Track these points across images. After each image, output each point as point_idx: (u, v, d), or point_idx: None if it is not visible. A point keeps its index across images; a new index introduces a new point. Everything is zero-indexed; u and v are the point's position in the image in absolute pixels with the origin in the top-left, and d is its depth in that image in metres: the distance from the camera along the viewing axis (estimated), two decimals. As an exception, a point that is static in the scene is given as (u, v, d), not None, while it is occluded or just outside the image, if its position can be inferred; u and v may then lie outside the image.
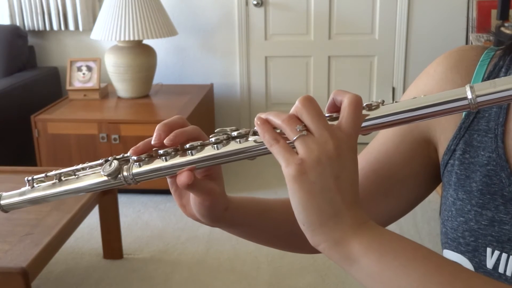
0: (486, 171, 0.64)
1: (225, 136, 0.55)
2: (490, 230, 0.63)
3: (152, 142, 0.58)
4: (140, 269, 2.46)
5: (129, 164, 0.57)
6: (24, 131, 3.10)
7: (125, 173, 0.57)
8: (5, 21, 3.69)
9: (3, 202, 0.60)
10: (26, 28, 3.71)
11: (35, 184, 0.60)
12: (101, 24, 3.20)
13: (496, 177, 0.63)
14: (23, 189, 0.60)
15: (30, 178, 0.60)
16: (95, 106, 3.25)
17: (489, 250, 0.63)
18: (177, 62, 3.82)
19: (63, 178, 0.59)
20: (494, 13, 3.12)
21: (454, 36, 3.55)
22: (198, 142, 0.56)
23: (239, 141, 0.55)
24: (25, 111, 3.13)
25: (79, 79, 3.37)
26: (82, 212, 2.10)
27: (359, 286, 2.28)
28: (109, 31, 3.15)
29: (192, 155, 0.56)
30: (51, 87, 3.68)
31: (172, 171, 0.57)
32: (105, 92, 3.44)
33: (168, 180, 0.61)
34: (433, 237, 2.63)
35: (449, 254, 0.67)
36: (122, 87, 3.33)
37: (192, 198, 0.62)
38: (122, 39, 3.15)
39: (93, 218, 2.58)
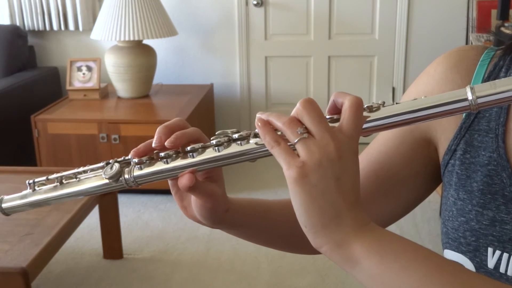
0: (487, 171, 0.64)
1: (226, 139, 0.55)
2: (491, 230, 0.63)
3: (153, 145, 0.58)
4: (140, 269, 2.46)
5: (130, 167, 0.57)
6: (24, 131, 3.10)
7: (126, 176, 0.57)
8: (5, 21, 3.69)
9: (4, 205, 0.60)
10: (26, 28, 3.71)
11: (36, 187, 0.60)
12: (101, 24, 3.20)
13: (497, 177, 0.63)
14: (24, 192, 0.60)
15: (31, 181, 0.60)
16: (95, 106, 3.25)
17: (490, 250, 0.63)
18: (177, 62, 3.82)
19: (64, 181, 0.59)
20: (494, 13, 3.12)
21: (454, 36, 3.55)
22: (199, 145, 0.56)
23: (240, 143, 0.55)
24: (25, 111, 3.13)
25: (79, 79, 3.37)
26: (82, 212, 2.10)
27: (359, 287, 2.28)
28: (109, 31, 3.15)
29: (193, 157, 0.56)
30: (51, 87, 3.68)
31: (174, 173, 0.57)
32: (105, 92, 3.44)
33: (169, 182, 0.61)
34: (433, 238, 2.63)
35: (450, 254, 0.67)
36: (122, 87, 3.33)
37: (194, 201, 0.62)
38: (122, 39, 3.15)
39: (93, 218, 2.58)
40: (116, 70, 3.28)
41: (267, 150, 0.53)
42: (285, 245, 0.74)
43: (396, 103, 0.54)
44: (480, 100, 0.51)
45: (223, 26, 3.72)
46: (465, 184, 0.66)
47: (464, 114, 0.67)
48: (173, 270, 2.44)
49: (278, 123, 0.52)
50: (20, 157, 3.21)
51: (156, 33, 3.19)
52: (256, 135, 0.55)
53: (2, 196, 0.61)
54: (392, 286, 0.49)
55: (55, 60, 3.85)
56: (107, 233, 2.49)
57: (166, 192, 3.02)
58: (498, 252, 0.62)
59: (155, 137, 0.58)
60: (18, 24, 3.68)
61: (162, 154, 0.57)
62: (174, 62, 3.81)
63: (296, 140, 0.51)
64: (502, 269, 0.62)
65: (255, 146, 0.54)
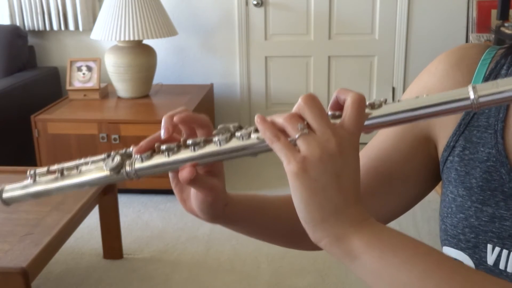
0: (486, 167, 0.64)
1: (227, 133, 0.55)
2: (491, 227, 0.63)
3: (162, 137, 0.57)
4: (140, 269, 2.46)
5: (131, 159, 0.57)
6: (24, 131, 3.10)
7: (127, 168, 0.57)
8: (5, 21, 3.69)
9: (5, 195, 0.60)
10: (26, 28, 3.71)
11: (37, 178, 0.60)
12: (101, 24, 3.20)
13: (496, 173, 0.63)
14: (25, 182, 0.60)
15: (32, 171, 0.59)
16: (95, 106, 3.25)
17: (489, 246, 0.63)
18: (177, 62, 3.82)
19: (65, 173, 0.59)
20: (494, 13, 3.13)
21: (454, 36, 3.55)
22: (201, 138, 0.56)
23: (242, 137, 0.55)
24: (25, 111, 3.13)
25: (79, 79, 3.37)
26: (82, 212, 2.10)
27: (359, 287, 2.28)
28: (109, 31, 3.15)
29: (194, 151, 0.56)
30: (51, 87, 3.68)
31: (175, 166, 0.57)
32: (105, 92, 3.44)
33: (170, 174, 0.61)
34: (433, 237, 2.63)
35: (449, 251, 0.67)
36: (122, 87, 3.34)
37: (194, 194, 0.62)
38: (122, 39, 3.15)
39: (93, 218, 2.58)
40: (116, 70, 3.28)
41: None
42: (285, 240, 0.74)
43: (398, 101, 0.54)
44: (482, 100, 0.51)
45: (223, 26, 3.72)
46: (464, 180, 0.66)
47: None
48: (173, 270, 2.44)
49: (279, 119, 0.52)
50: (20, 157, 3.20)
51: (156, 33, 3.19)
52: (257, 130, 0.55)
53: (3, 186, 0.61)
54: (392, 280, 0.49)
55: (55, 60, 3.85)
56: (107, 233, 2.49)
57: (166, 192, 3.03)
58: (497, 249, 0.62)
59: (163, 128, 0.57)
60: (18, 24, 3.68)
61: (163, 147, 0.57)
62: (174, 62, 3.82)
63: (297, 136, 0.51)
64: (501, 266, 0.62)
65: (257, 141, 0.54)
